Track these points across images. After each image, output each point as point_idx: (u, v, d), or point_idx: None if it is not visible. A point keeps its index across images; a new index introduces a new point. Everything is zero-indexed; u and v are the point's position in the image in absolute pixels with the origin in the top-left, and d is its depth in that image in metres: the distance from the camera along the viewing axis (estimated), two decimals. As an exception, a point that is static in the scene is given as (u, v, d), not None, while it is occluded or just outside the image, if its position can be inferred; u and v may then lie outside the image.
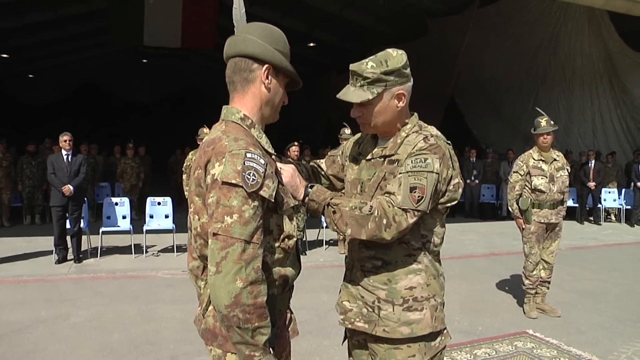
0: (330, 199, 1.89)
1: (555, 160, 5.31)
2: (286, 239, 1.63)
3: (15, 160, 11.30)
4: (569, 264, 7.55)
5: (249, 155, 1.48)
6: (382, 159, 1.96)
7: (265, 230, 1.54)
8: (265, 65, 1.65)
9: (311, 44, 19.57)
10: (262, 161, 1.50)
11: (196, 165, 1.59)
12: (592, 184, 12.27)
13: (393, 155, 1.92)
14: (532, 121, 5.44)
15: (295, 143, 8.41)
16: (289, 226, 1.64)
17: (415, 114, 2.04)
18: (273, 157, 1.73)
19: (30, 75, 22.78)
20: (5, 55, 18.76)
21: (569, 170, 5.46)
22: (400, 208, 1.78)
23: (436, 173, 1.81)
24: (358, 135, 2.22)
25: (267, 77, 1.66)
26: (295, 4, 16.04)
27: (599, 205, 12.67)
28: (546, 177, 5.21)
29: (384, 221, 1.77)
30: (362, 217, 1.80)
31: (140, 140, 13.53)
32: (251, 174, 1.46)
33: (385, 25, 16.68)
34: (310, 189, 1.91)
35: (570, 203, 11.83)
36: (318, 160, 2.30)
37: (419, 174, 1.80)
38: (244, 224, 1.44)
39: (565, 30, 13.15)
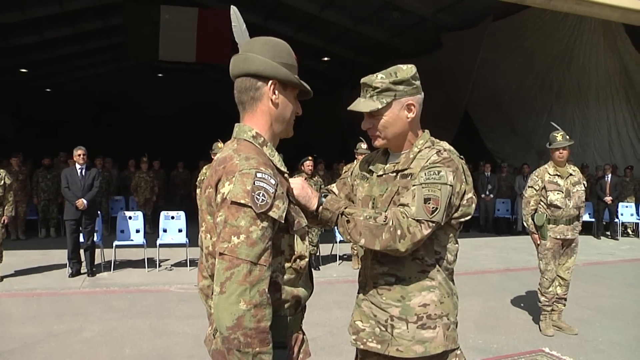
0: (345, 208, 1.89)
1: (571, 175, 5.24)
2: (298, 260, 1.60)
3: (31, 174, 11.41)
4: (585, 280, 7.43)
5: (259, 175, 1.46)
6: (395, 174, 1.95)
7: (276, 250, 1.52)
8: (271, 82, 1.63)
9: (325, 58, 19.66)
10: (273, 181, 1.48)
11: (207, 184, 1.57)
12: (608, 199, 12.09)
13: (406, 169, 1.92)
14: (547, 136, 5.38)
15: (310, 157, 8.38)
16: (300, 247, 1.62)
17: (427, 130, 2.03)
18: (285, 175, 1.70)
19: (48, 90, 23.15)
20: (24, 70, 19.12)
21: (585, 185, 5.38)
22: (414, 219, 1.76)
23: (450, 185, 1.81)
24: (367, 154, 2.22)
25: (274, 93, 1.64)
26: (309, 19, 16.15)
27: (616, 220, 12.48)
28: (562, 193, 5.14)
29: (399, 232, 1.75)
30: (376, 227, 1.79)
31: (155, 154, 13.59)
32: (261, 194, 1.43)
33: (399, 39, 16.75)
34: (324, 198, 1.91)
35: (586, 218, 11.67)
36: (330, 186, 2.29)
37: (432, 185, 1.80)
38: (250, 245, 1.41)
39: (580, 44, 13.03)
